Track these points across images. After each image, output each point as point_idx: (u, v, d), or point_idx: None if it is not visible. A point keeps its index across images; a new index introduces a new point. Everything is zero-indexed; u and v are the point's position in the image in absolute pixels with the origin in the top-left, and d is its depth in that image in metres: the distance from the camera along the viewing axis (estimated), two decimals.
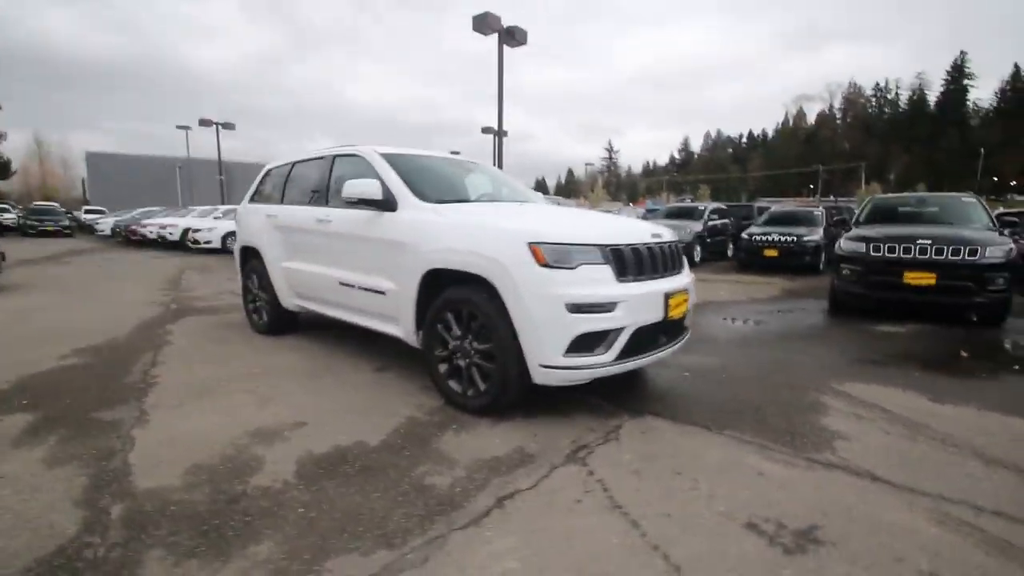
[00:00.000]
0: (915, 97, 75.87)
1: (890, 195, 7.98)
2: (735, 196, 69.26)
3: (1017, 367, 4.03)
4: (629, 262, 2.80)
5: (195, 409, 3.03)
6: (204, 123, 26.42)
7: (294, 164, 4.64)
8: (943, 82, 71.02)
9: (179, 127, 30.72)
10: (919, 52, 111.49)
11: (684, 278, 3.17)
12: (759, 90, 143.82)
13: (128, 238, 18.54)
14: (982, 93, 77.09)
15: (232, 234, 15.29)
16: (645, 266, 2.89)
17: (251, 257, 4.95)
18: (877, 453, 2.49)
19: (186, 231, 15.80)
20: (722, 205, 15.40)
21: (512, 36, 13.80)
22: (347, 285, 3.72)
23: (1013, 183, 51.19)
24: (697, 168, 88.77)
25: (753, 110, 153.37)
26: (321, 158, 4.29)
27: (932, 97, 73.67)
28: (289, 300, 4.51)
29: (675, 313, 2.96)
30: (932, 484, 2.21)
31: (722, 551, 1.74)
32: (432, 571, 1.66)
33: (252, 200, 5.13)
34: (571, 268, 2.63)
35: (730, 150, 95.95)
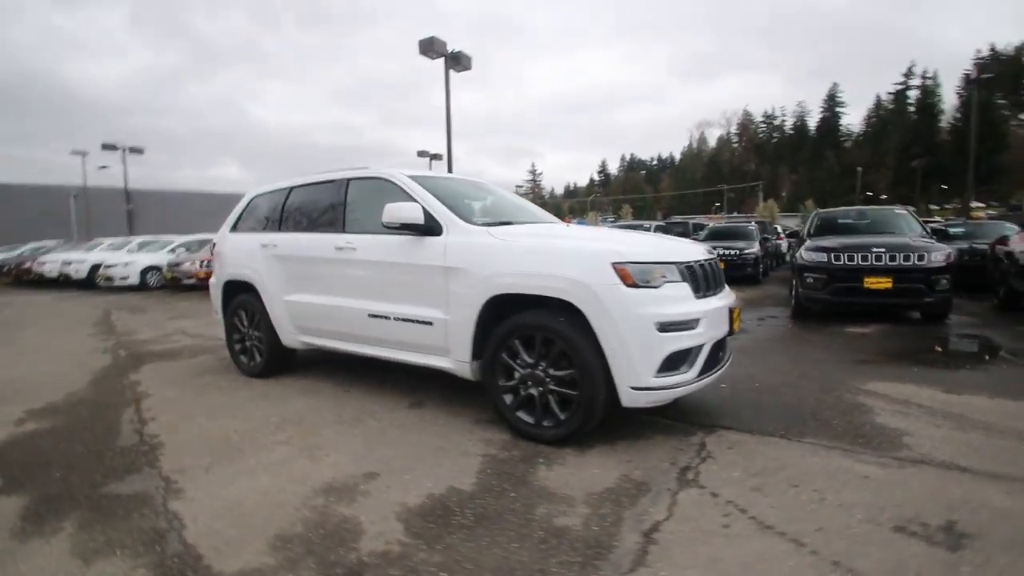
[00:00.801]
0: (798, 123, 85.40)
1: (832, 209, 8.83)
2: (652, 215, 73.67)
3: (987, 356, 4.54)
4: (700, 278, 2.84)
5: (233, 471, 2.63)
6: (108, 147, 23.92)
7: (291, 189, 4.28)
8: (820, 110, 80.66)
9: (75, 152, 27.54)
10: (797, 82, 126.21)
11: (731, 293, 3.26)
12: (664, 115, 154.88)
13: (20, 278, 16.17)
14: (852, 119, 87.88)
15: (153, 268, 13.89)
16: (710, 282, 2.94)
17: (238, 292, 4.47)
18: (943, 445, 2.66)
19: (96, 267, 14.07)
20: (662, 223, 16.28)
21: (457, 61, 13.89)
22: (379, 317, 3.44)
23: (883, 197, 58.68)
24: (616, 189, 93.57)
25: (661, 134, 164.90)
26: (331, 182, 3.99)
27: (812, 123, 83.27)
28: (292, 337, 4.10)
29: (736, 327, 3.03)
30: (1012, 468, 2.39)
31: (898, 559, 1.76)
32: None
33: (234, 229, 4.66)
34: (656, 287, 2.61)
35: (644, 172, 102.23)
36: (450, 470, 2.55)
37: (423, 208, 3.21)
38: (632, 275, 2.58)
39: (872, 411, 3.19)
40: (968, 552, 1.79)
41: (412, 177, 3.54)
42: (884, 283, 6.04)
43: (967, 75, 63.27)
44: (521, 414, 2.89)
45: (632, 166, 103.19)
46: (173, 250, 14.64)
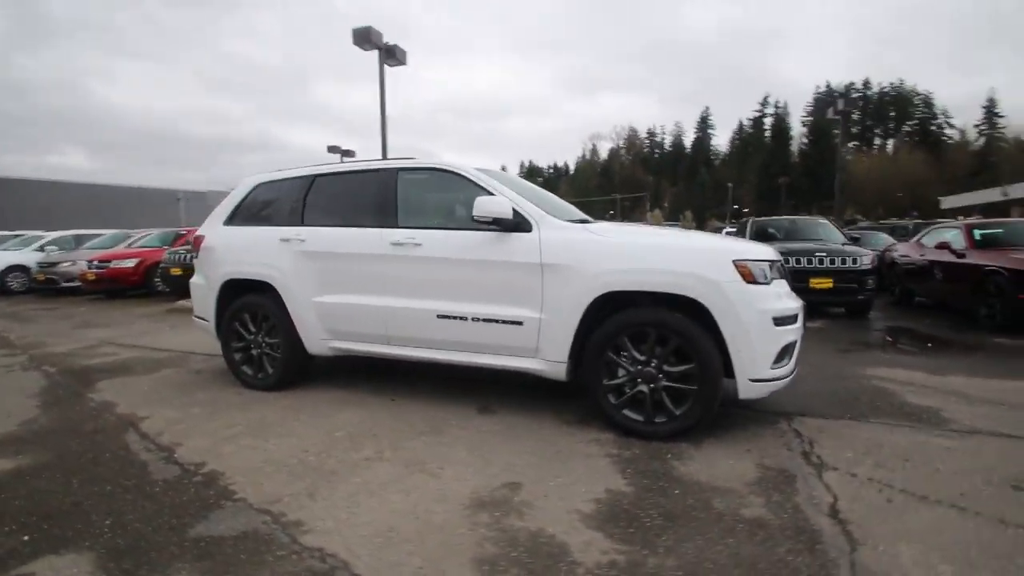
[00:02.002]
0: (675, 141, 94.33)
1: (765, 218, 9.87)
2: None
3: (930, 343, 5.41)
4: (787, 277, 3.06)
5: (345, 494, 2.30)
6: None
7: (315, 177, 3.82)
8: (695, 130, 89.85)
9: None
10: (671, 103, 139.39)
11: None
12: (553, 126, 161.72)
13: None
14: (721, 140, 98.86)
15: (16, 268, 11.56)
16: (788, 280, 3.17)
17: (241, 293, 3.89)
18: (976, 417, 3.14)
19: None
20: None
21: (392, 55, 13.33)
22: (453, 318, 3.21)
23: (746, 210, 66.87)
24: None
25: (554, 143, 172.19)
26: (373, 171, 3.64)
27: (688, 141, 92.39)
28: (320, 343, 3.66)
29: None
30: None
31: None
32: None
33: (231, 221, 4.05)
34: (767, 284, 2.76)
35: (541, 179, 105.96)
36: (589, 473, 2.46)
37: (511, 203, 3.06)
38: (752, 272, 2.71)
39: (896, 394, 3.64)
40: None
41: (480, 170, 3.36)
42: (826, 283, 6.92)
43: (814, 105, 74.51)
44: (628, 412, 2.88)
45: (532, 172, 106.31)
46: (42, 248, 12.23)
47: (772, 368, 2.73)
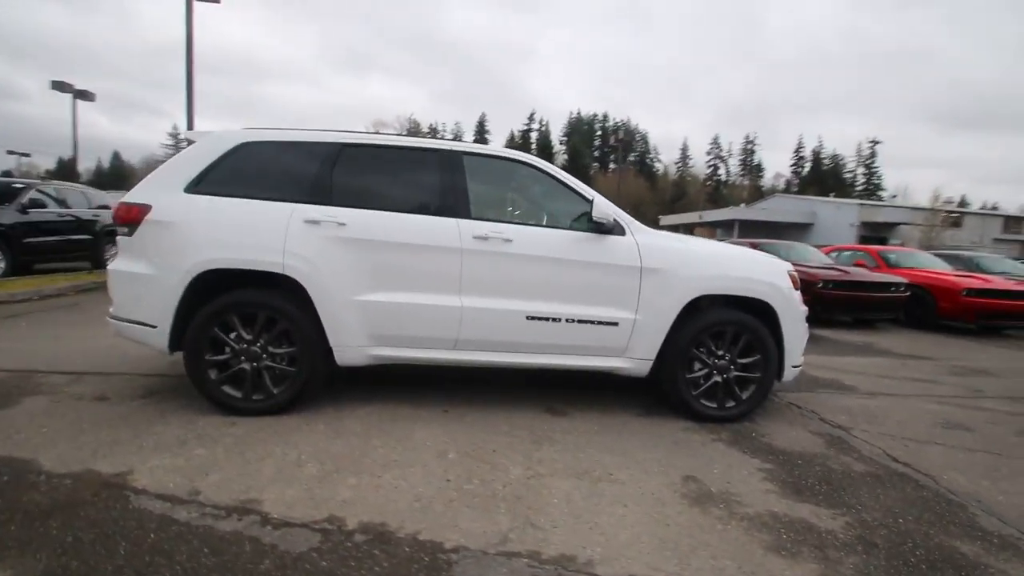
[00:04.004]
0: (457, 139, 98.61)
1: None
2: None
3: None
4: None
5: (565, 517, 2.12)
6: None
7: (344, 146, 3.08)
8: (474, 134, 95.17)
9: None
10: (442, 100, 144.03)
11: None
12: (320, 100, 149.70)
13: None
14: (497, 146, 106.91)
15: None
16: None
17: (225, 288, 2.89)
18: (866, 383, 4.52)
19: None
20: None
21: None
22: (544, 319, 3.06)
23: None
24: None
25: (324, 120, 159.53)
26: (431, 151, 3.15)
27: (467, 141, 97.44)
28: (358, 352, 3.01)
29: None
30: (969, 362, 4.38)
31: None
32: None
33: (199, 189, 2.94)
34: (798, 290, 3.49)
35: None
36: (721, 456, 2.78)
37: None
38: (796, 280, 3.39)
39: (833, 374, 4.89)
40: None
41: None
42: None
43: (569, 127, 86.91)
44: (704, 401, 3.27)
45: None
46: None
47: (802, 357, 3.48)
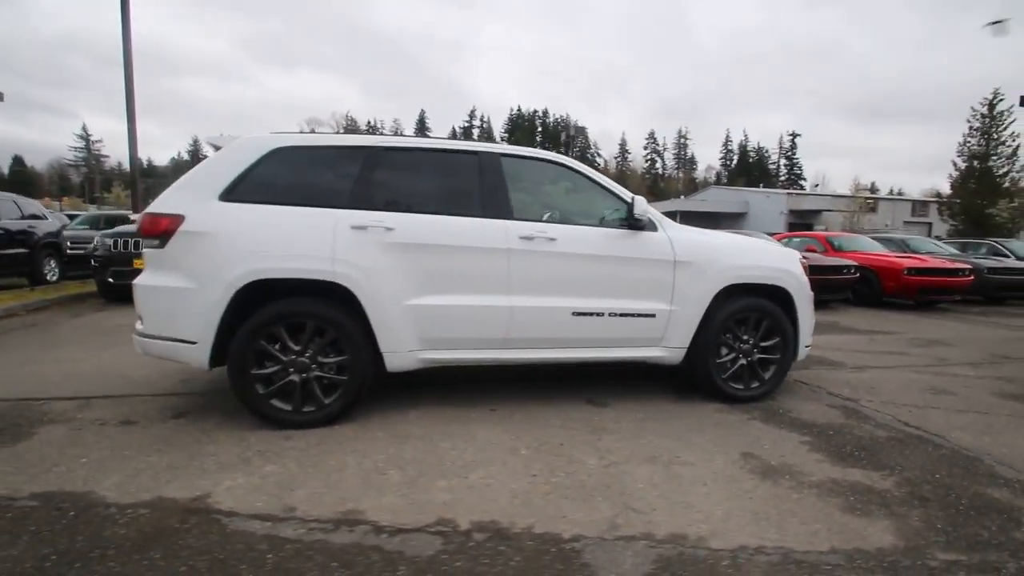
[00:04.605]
0: (397, 136, 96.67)
1: None
2: None
3: None
4: None
5: (663, 501, 2.24)
6: None
7: (378, 150, 3.04)
8: (414, 130, 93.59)
9: None
10: (376, 96, 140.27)
11: None
12: (248, 96, 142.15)
13: None
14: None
15: None
16: None
17: (270, 299, 2.79)
18: (849, 358, 4.95)
19: None
20: None
21: None
22: (589, 314, 3.16)
23: None
24: None
25: (255, 119, 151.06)
26: (468, 153, 3.16)
27: None
28: (408, 356, 2.99)
29: None
30: (922, 334, 4.83)
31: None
32: None
33: (233, 197, 2.81)
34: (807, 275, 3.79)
35: None
36: (762, 433, 3.00)
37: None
38: (805, 267, 3.68)
39: (819, 352, 5.28)
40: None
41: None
42: None
43: (510, 124, 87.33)
44: (732, 383, 3.49)
45: None
46: None
47: (811, 337, 3.79)
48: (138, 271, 7.16)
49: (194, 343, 2.76)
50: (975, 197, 25.52)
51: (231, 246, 2.74)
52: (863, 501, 2.26)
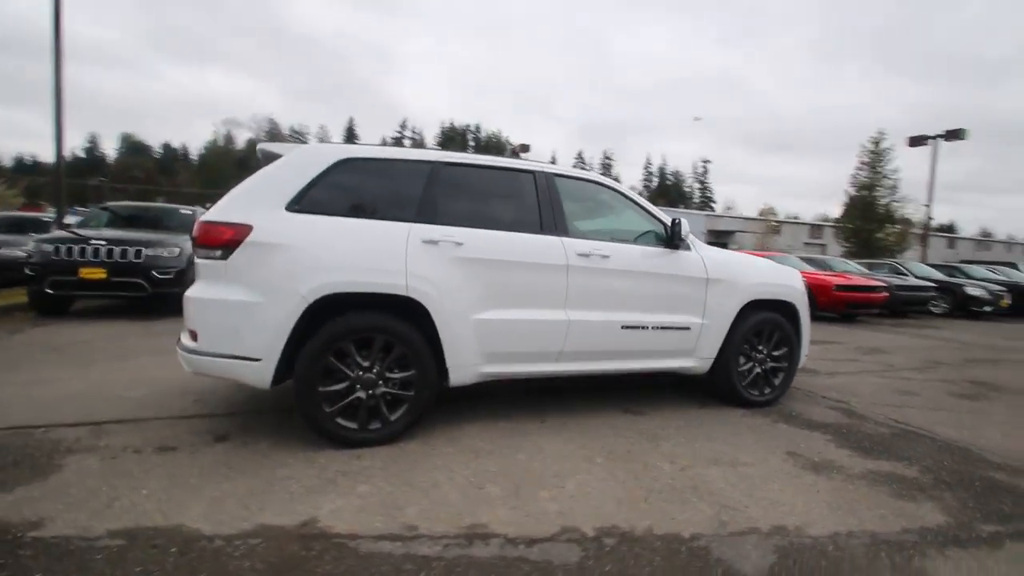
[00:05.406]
0: (324, 143, 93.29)
1: (115, 203, 9.47)
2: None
3: None
4: None
5: (746, 498, 2.44)
6: None
7: (441, 165, 3.05)
8: (343, 138, 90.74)
9: None
10: (295, 101, 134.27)
11: None
12: (151, 89, 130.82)
13: None
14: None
15: None
16: None
17: (337, 312, 2.70)
18: (850, 351, 5.52)
19: None
20: None
21: None
22: (636, 328, 3.35)
23: None
24: (117, 173, 72.81)
25: (159, 116, 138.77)
26: (525, 172, 3.27)
27: None
28: (471, 370, 3.01)
29: None
30: (864, 343, 5.44)
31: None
32: None
33: (300, 208, 2.71)
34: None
35: (156, 157, 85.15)
36: (789, 434, 3.32)
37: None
38: (804, 284, 4.12)
39: None
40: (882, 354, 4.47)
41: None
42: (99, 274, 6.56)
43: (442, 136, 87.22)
44: (752, 390, 3.82)
45: (140, 151, 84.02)
46: None
47: (809, 346, 4.23)
48: (85, 281, 6.52)
49: (258, 360, 2.61)
50: (864, 223, 29.10)
51: (304, 258, 2.64)
52: (905, 488, 2.60)
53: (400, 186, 2.99)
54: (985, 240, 62.38)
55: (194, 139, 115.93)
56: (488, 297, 3.02)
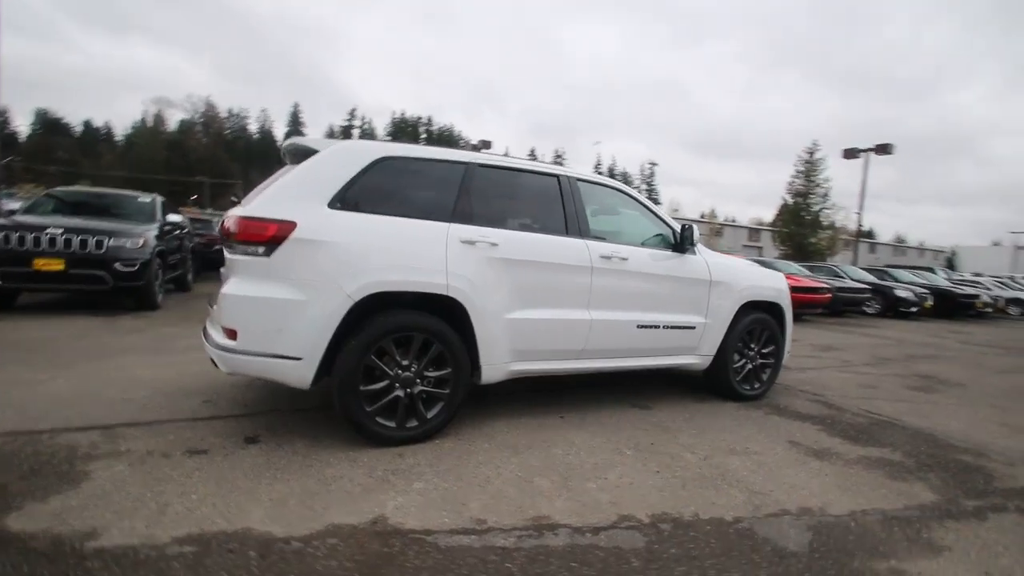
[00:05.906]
0: (264, 130, 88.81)
1: (62, 188, 8.59)
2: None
3: None
4: None
5: (773, 481, 2.68)
6: None
7: (475, 166, 3.10)
8: (287, 125, 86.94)
9: None
10: (229, 79, 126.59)
11: None
12: (65, 62, 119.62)
13: None
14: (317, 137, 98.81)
15: None
16: None
17: (380, 311, 2.71)
18: (807, 348, 5.97)
19: None
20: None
21: None
22: (648, 327, 3.54)
23: None
24: (30, 151, 65.98)
25: (75, 90, 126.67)
26: (551, 176, 3.38)
27: (279, 132, 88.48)
28: (501, 368, 3.09)
29: None
30: (816, 341, 5.92)
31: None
32: None
33: (341, 205, 2.69)
34: None
35: (76, 137, 78.07)
36: (784, 425, 3.63)
37: None
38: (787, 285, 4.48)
39: None
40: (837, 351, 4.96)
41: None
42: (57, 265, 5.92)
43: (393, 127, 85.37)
44: (746, 385, 4.13)
45: (57, 129, 76.72)
46: None
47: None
48: (40, 273, 6.01)
49: (299, 359, 2.58)
50: (798, 227, 31.26)
51: (349, 256, 2.62)
52: (896, 470, 2.94)
53: (437, 186, 3.02)
54: (900, 246, 68.59)
55: (119, 118, 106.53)
56: (520, 297, 3.11)
